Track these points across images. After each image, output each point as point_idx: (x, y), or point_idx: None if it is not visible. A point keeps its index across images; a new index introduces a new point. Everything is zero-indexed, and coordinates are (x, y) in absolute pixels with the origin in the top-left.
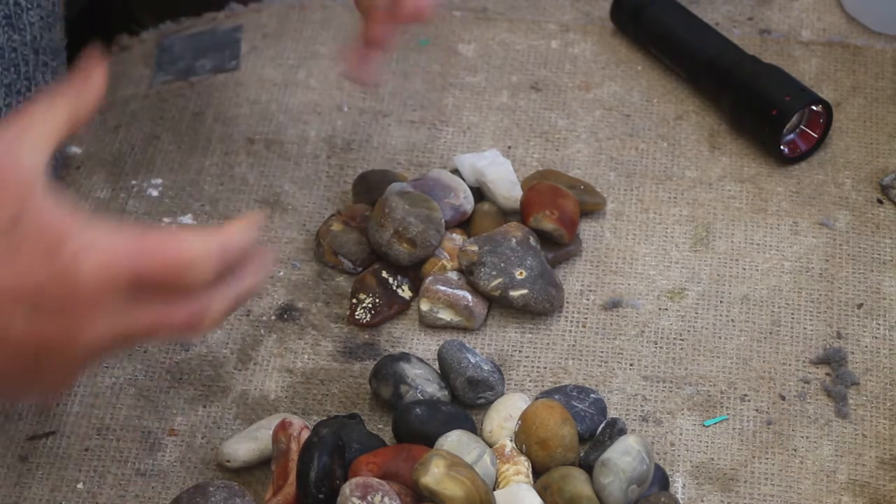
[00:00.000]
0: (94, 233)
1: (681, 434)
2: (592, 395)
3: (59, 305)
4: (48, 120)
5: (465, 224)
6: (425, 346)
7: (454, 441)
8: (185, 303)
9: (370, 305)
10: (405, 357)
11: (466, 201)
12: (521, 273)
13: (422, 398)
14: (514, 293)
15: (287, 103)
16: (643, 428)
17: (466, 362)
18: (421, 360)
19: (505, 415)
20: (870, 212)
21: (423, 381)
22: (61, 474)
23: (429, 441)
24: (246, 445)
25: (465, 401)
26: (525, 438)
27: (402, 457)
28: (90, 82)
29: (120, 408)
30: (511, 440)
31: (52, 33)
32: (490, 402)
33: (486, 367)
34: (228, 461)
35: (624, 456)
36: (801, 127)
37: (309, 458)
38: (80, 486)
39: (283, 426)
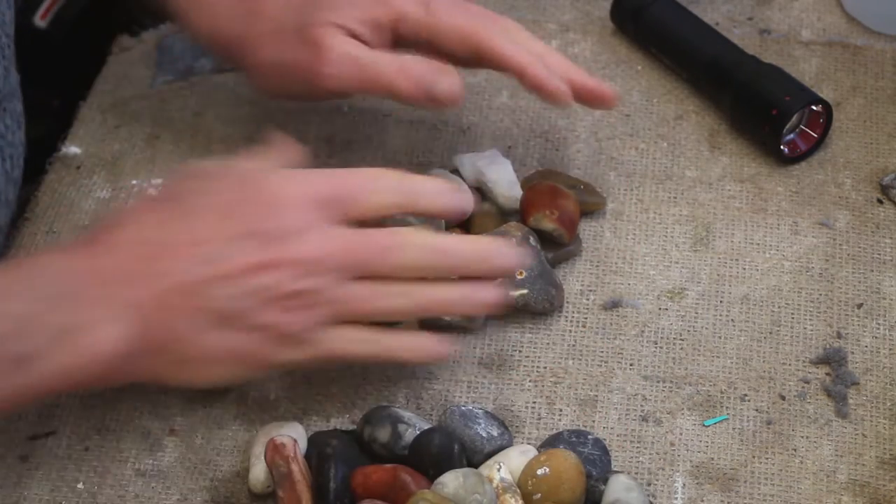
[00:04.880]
0: (289, 173)
1: (681, 434)
2: (590, 437)
3: (266, 229)
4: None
5: (465, 224)
6: None
7: (459, 482)
8: (380, 233)
9: None
10: (391, 406)
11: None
12: (520, 273)
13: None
14: (514, 293)
15: (287, 103)
16: (643, 428)
17: (479, 438)
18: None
19: (512, 467)
20: (870, 212)
21: (418, 420)
22: (61, 474)
23: (438, 470)
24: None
25: (475, 464)
26: (547, 493)
27: (398, 483)
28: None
29: (120, 408)
30: (515, 496)
31: (10, 79)
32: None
33: (496, 433)
34: (258, 489)
35: (630, 492)
36: (801, 127)
37: (326, 469)
38: (80, 486)
39: (275, 449)
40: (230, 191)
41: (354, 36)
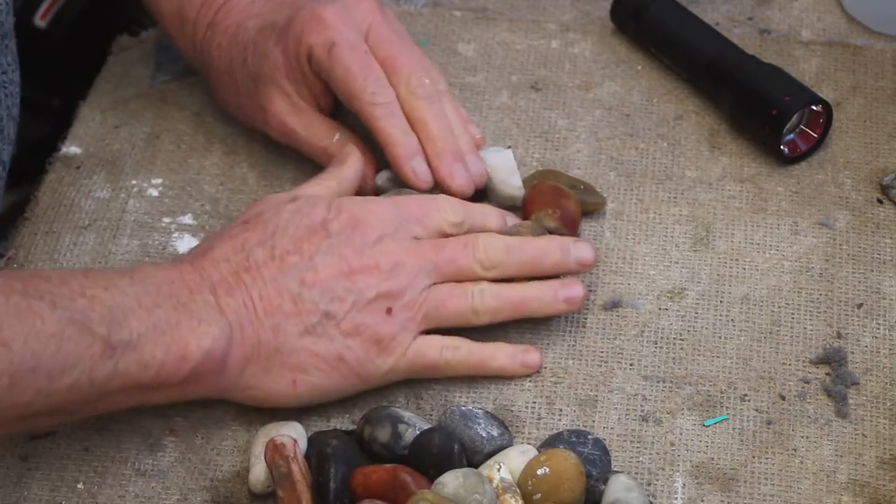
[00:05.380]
0: (366, 198)
1: (681, 434)
2: (590, 437)
3: (349, 237)
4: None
5: None
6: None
7: (459, 482)
8: (457, 237)
9: None
10: (391, 406)
11: None
12: None
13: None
14: None
15: None
16: (643, 428)
17: (479, 438)
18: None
19: (512, 467)
20: (870, 212)
21: (418, 420)
22: (61, 474)
23: (438, 470)
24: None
25: (475, 464)
26: (547, 493)
27: (398, 483)
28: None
29: None
30: (515, 496)
31: (10, 16)
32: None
33: (496, 433)
34: (258, 489)
35: (630, 492)
36: (801, 127)
37: (326, 469)
38: (80, 486)
39: (275, 448)
40: (312, 212)
41: (295, 83)
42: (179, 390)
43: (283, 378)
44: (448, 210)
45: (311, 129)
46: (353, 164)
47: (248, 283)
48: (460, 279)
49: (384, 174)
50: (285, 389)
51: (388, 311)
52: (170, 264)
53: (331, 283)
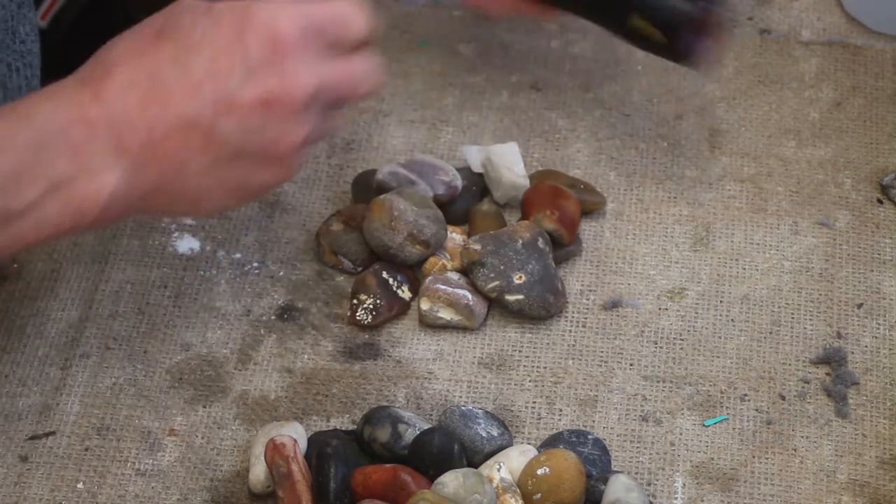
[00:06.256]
0: (278, 4)
1: (681, 434)
2: (590, 437)
3: (269, 60)
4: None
5: (462, 219)
6: (425, 346)
7: (459, 482)
8: (357, 59)
9: (371, 306)
10: (391, 406)
11: (455, 177)
12: (519, 277)
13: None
14: (510, 297)
15: None
16: (643, 428)
17: (479, 438)
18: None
19: (512, 467)
20: (870, 212)
21: (418, 420)
22: (61, 474)
23: (438, 470)
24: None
25: (475, 464)
26: (547, 493)
27: (398, 483)
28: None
29: (120, 408)
30: (515, 496)
31: None
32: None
33: (496, 433)
34: (258, 489)
35: (630, 492)
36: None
37: (327, 469)
38: (80, 486)
39: (275, 448)
40: (232, 26)
41: None
42: (90, 228)
43: (186, 203)
44: (360, 21)
45: None
46: None
47: (154, 119)
48: None
49: (386, 168)
50: (188, 209)
51: (305, 140)
52: (65, 92)
53: (247, 116)
